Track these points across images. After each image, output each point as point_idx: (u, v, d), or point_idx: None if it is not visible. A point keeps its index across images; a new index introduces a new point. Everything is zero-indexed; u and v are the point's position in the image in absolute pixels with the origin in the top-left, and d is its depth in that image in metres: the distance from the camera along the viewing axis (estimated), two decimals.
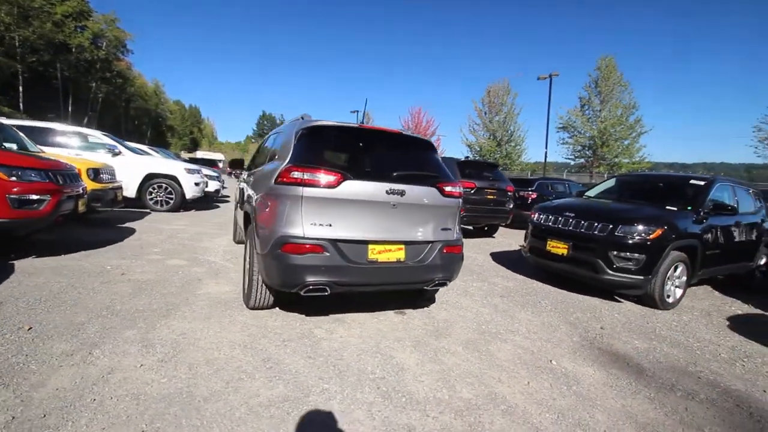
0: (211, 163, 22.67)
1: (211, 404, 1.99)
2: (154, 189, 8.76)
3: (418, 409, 2.13)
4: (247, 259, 3.37)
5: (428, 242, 3.06)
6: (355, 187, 2.76)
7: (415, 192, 2.97)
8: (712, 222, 4.69)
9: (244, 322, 3.02)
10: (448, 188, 3.12)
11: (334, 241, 2.72)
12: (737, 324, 4.12)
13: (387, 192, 2.85)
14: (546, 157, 23.65)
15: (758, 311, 4.69)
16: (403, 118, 40.36)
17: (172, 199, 8.91)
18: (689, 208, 4.68)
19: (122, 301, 3.24)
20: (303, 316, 3.26)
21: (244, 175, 5.14)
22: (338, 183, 2.70)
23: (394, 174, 2.95)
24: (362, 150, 3.08)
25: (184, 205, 9.26)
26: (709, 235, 4.65)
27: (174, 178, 8.92)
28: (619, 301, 4.58)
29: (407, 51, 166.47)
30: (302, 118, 3.36)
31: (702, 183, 5.04)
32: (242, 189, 4.78)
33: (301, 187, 2.66)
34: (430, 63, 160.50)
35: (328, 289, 2.73)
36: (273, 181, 2.77)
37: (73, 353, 2.34)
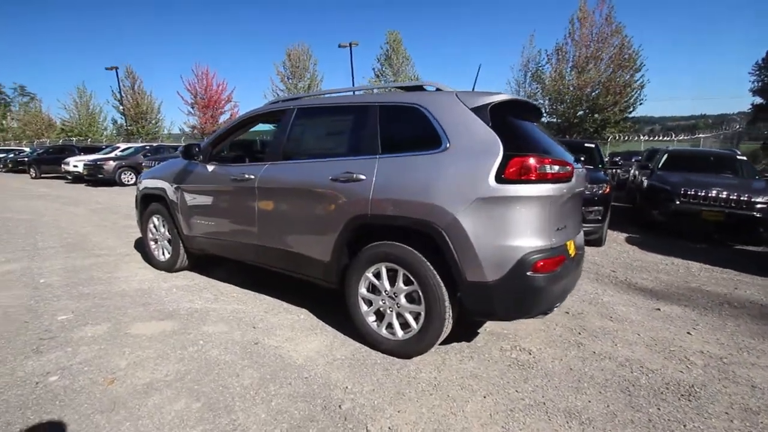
0: None
1: None
2: None
3: (711, 388, 2.20)
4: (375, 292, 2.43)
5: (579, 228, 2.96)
6: (575, 177, 2.35)
7: (581, 173, 2.77)
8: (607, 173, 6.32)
9: (446, 378, 2.25)
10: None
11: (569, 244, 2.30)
12: (642, 245, 5.81)
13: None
14: None
15: (629, 234, 6.73)
16: (186, 78, 34.52)
17: None
18: (600, 165, 6.14)
19: (228, 422, 1.81)
20: (464, 343, 2.67)
21: (239, 169, 3.22)
22: (571, 174, 2.24)
23: (581, 158, 2.66)
24: (535, 131, 2.58)
25: None
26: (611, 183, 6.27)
27: None
28: None
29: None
30: (436, 89, 2.52)
31: (593, 146, 6.64)
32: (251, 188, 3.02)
33: (551, 184, 2.08)
34: (221, 17, 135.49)
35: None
36: (491, 178, 2.03)
37: None
